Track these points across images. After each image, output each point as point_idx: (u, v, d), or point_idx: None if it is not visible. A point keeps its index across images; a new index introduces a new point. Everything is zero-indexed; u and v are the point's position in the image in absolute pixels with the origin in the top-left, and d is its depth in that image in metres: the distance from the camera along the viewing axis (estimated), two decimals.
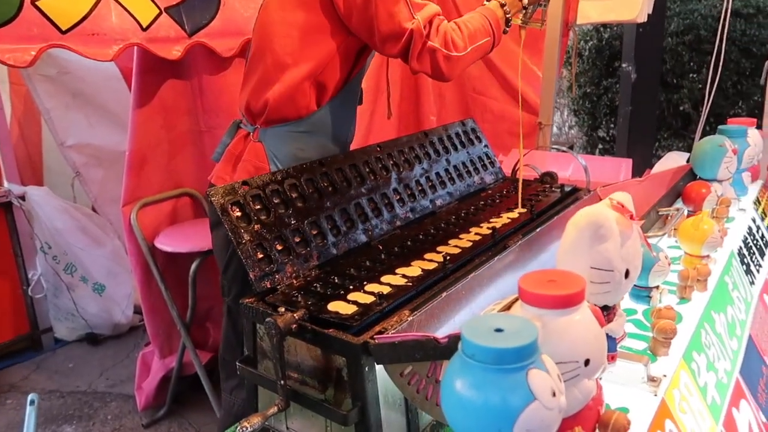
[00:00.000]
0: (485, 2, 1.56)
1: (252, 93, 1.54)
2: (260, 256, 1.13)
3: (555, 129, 5.38)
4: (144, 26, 1.92)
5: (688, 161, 1.80)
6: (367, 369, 0.93)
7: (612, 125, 5.40)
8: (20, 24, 1.63)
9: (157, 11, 1.95)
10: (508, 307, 0.74)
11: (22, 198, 2.92)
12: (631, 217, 0.78)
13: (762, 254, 1.64)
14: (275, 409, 0.98)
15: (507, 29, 1.54)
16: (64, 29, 1.72)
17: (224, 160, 1.61)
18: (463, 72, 1.59)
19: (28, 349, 3.11)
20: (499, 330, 0.56)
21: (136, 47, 1.98)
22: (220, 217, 1.56)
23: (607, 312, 0.78)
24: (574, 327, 0.63)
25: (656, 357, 0.94)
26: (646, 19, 2.41)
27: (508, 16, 1.52)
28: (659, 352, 0.93)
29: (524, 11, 1.59)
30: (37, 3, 1.64)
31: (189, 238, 2.32)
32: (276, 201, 1.23)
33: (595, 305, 0.73)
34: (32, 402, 1.37)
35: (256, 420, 0.96)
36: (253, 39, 1.57)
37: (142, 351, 2.63)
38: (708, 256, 1.26)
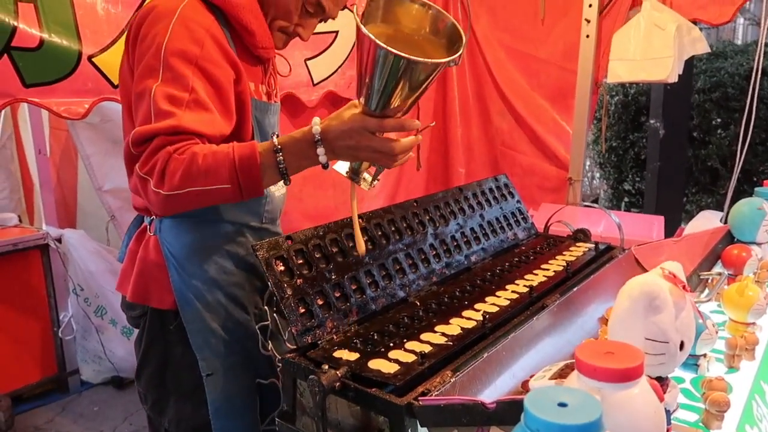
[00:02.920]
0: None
1: (132, 187, 1.24)
2: (302, 310, 1.14)
3: None
4: None
5: (721, 220, 1.79)
6: (410, 430, 0.92)
7: (638, 179, 5.40)
8: (76, 78, 1.72)
9: None
10: (559, 375, 0.74)
11: (59, 240, 2.99)
12: (684, 288, 0.78)
13: None
14: None
15: (287, 181, 1.19)
16: (116, 84, 1.80)
17: (126, 260, 1.38)
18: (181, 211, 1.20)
19: (54, 391, 3.12)
20: (562, 404, 0.55)
21: None
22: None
23: (660, 383, 0.77)
24: (633, 401, 0.62)
25: (709, 430, 0.91)
26: (677, 79, 2.43)
27: (281, 166, 1.14)
28: (712, 425, 0.91)
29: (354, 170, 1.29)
30: (93, 59, 1.73)
31: None
32: (317, 256, 1.25)
33: (649, 376, 0.72)
34: None
35: None
36: None
37: None
38: (754, 323, 1.24)
